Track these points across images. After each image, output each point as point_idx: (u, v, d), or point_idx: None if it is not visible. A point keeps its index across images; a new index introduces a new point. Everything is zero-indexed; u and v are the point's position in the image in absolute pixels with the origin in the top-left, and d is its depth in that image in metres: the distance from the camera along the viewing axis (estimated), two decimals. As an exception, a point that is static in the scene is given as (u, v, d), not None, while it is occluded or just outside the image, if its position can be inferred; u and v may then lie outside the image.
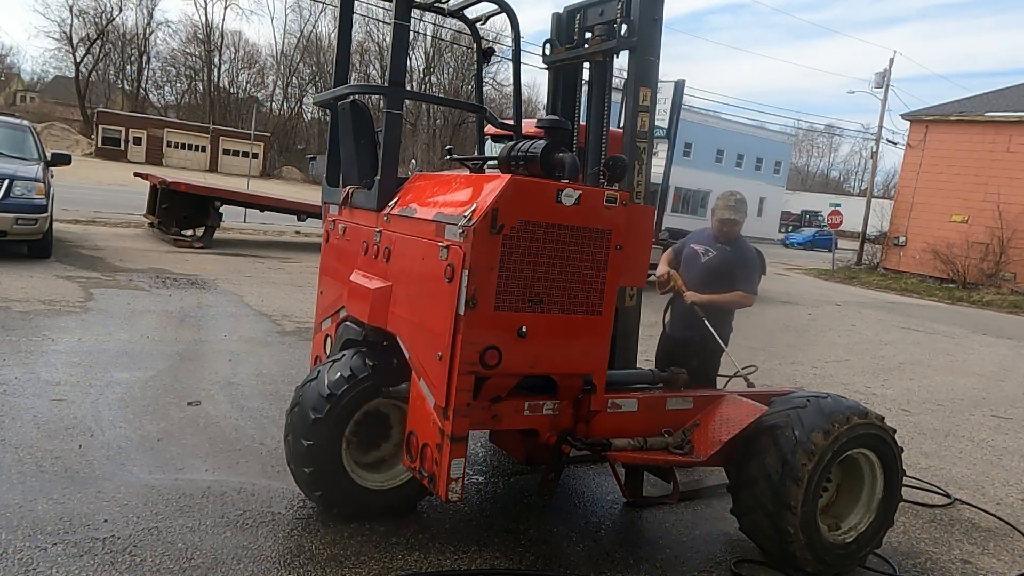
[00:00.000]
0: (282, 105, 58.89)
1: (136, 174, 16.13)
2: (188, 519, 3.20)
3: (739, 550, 3.52)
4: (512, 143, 3.10)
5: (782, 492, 3.09)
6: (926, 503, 4.42)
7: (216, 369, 5.51)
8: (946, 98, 27.27)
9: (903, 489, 3.53)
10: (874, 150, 33.52)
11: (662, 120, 12.48)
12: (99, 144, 45.86)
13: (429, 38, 52.74)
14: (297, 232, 16.47)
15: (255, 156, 42.19)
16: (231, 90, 58.39)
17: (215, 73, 56.84)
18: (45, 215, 8.82)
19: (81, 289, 7.75)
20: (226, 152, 48.29)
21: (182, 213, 12.62)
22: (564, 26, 3.97)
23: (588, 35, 3.84)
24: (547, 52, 4.03)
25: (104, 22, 53.77)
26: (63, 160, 10.11)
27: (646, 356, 4.87)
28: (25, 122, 11.06)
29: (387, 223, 3.24)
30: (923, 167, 23.62)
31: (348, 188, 3.64)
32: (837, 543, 3.29)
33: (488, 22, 4.15)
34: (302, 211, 14.15)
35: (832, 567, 3.26)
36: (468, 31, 4.24)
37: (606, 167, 3.18)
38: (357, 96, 3.68)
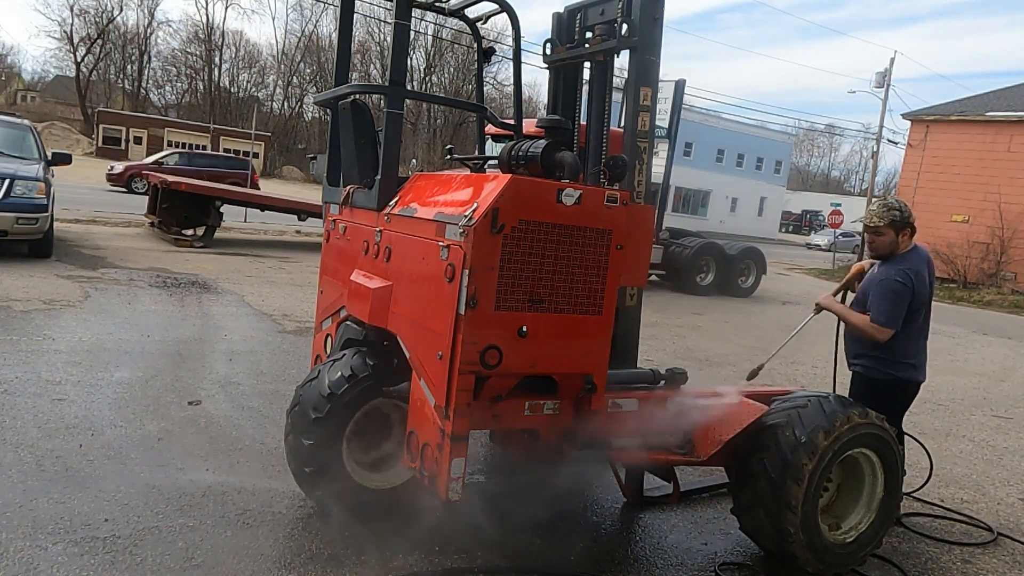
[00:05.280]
0: (283, 105, 58.94)
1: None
2: (189, 518, 3.20)
3: (739, 550, 3.52)
4: (513, 143, 3.10)
5: (783, 492, 3.09)
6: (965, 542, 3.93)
7: (216, 369, 5.51)
8: (951, 98, 27.21)
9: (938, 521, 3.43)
10: (875, 150, 33.53)
11: (663, 120, 12.49)
12: (100, 143, 45.84)
13: (430, 38, 52.75)
14: (298, 232, 16.47)
15: (255, 156, 42.16)
16: (232, 90, 58.40)
17: (216, 73, 56.89)
18: (46, 214, 8.82)
19: (81, 288, 7.75)
20: (227, 151, 48.28)
21: (183, 212, 12.62)
22: (565, 26, 3.97)
23: (589, 35, 3.84)
24: (548, 52, 4.03)
25: (105, 21, 53.85)
26: (64, 159, 10.11)
27: (646, 356, 4.87)
28: (26, 121, 11.05)
29: (387, 223, 3.24)
30: (924, 167, 23.61)
31: (349, 188, 3.64)
32: (837, 543, 3.29)
33: (489, 22, 4.14)
34: (303, 211, 14.16)
35: (832, 567, 3.25)
36: (469, 31, 4.24)
37: (607, 167, 3.18)
38: (358, 96, 3.68)
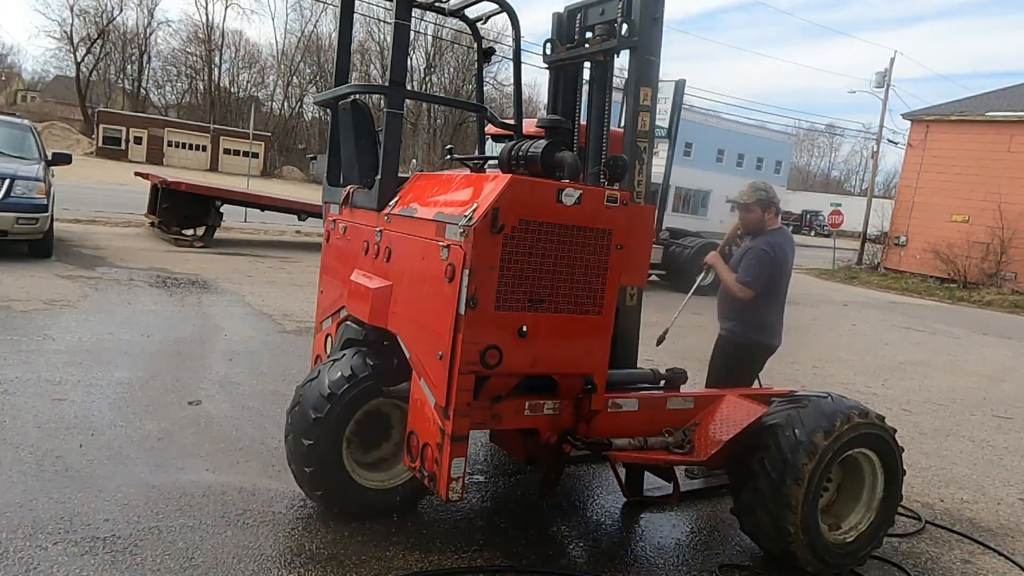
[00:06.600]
0: (283, 105, 58.95)
1: (137, 174, 16.14)
2: (189, 518, 3.20)
3: (739, 550, 3.52)
4: (513, 143, 3.10)
5: (783, 492, 3.09)
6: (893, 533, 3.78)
7: (216, 369, 5.51)
8: (952, 98, 27.18)
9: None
10: (875, 150, 33.51)
11: (663, 119, 12.50)
12: (100, 144, 45.86)
13: (430, 38, 52.73)
14: (298, 232, 16.47)
15: (255, 156, 42.21)
16: (232, 90, 58.43)
17: (216, 73, 56.91)
18: (46, 214, 8.83)
19: (82, 288, 7.75)
20: (227, 152, 48.28)
21: (183, 212, 12.63)
22: (565, 26, 3.97)
23: (589, 35, 3.84)
24: (548, 52, 4.03)
25: (105, 21, 53.85)
26: (64, 160, 10.12)
27: (646, 356, 4.87)
28: (26, 121, 11.05)
29: (388, 223, 3.24)
30: (924, 167, 23.60)
31: (349, 188, 3.64)
32: (837, 543, 3.29)
33: (489, 22, 4.14)
34: (303, 211, 14.15)
35: (833, 567, 3.25)
36: (469, 31, 4.24)
37: (607, 167, 3.18)
38: (358, 96, 3.68)
